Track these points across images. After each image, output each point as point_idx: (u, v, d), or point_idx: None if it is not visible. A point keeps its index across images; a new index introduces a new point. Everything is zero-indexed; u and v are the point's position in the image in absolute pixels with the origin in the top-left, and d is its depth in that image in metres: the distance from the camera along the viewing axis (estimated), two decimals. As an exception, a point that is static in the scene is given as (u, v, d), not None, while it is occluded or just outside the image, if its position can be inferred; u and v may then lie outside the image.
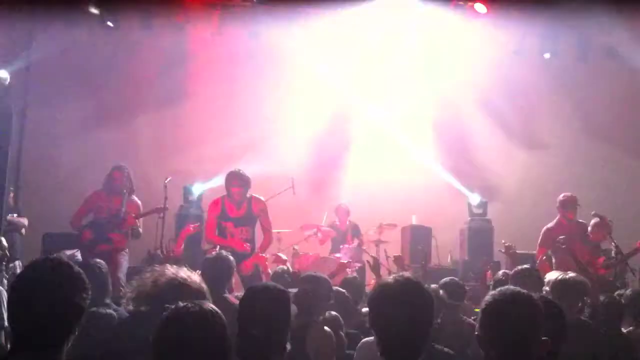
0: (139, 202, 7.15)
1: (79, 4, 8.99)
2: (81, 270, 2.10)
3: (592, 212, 7.08)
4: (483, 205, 9.46)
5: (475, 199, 9.54)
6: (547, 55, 10.17)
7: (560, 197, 7.29)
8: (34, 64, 8.96)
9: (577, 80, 10.15)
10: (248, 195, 6.46)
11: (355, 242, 8.71)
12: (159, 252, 7.32)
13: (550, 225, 7.17)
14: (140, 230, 7.02)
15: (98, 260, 4.33)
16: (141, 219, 7.01)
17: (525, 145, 10.40)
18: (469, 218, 9.39)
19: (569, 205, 7.16)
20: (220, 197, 6.55)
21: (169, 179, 7.26)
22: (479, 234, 9.16)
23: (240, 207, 6.44)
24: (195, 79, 9.98)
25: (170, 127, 9.68)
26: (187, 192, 9.05)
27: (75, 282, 2.06)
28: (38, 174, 9.34)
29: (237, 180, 6.33)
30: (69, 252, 6.73)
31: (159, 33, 9.68)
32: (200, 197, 9.00)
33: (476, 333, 2.24)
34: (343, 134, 10.20)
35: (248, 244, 6.37)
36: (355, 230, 8.98)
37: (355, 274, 6.87)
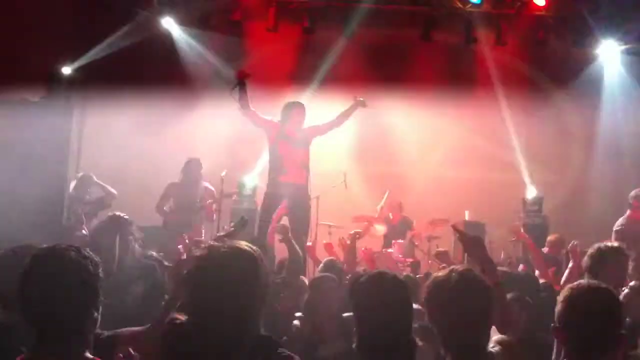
0: (212, 188, 7.74)
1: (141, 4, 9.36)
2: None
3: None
4: (539, 201, 9.26)
5: (531, 194, 9.35)
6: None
7: (635, 191, 6.71)
8: (94, 65, 9.28)
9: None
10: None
11: (408, 236, 8.70)
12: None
13: (620, 222, 6.58)
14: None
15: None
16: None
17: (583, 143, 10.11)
18: (524, 214, 9.22)
19: None
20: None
21: (224, 173, 7.42)
22: (534, 230, 8.96)
23: (297, 131, 6.68)
24: (252, 75, 10.12)
25: (226, 123, 9.85)
26: (241, 185, 9.12)
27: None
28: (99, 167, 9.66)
29: (301, 108, 6.71)
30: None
31: (216, 30, 9.92)
32: (254, 191, 9.05)
33: None
34: (396, 127, 10.17)
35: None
36: (407, 224, 8.96)
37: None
